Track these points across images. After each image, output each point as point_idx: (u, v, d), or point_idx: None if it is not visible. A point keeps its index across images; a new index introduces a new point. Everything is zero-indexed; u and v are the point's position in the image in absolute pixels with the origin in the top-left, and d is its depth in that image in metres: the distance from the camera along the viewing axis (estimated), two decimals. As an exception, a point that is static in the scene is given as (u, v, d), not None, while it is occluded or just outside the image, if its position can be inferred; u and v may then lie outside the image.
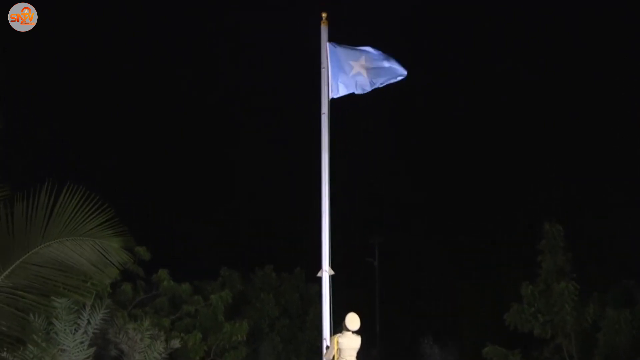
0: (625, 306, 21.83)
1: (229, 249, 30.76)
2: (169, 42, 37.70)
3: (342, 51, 12.30)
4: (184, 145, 37.26)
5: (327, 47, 12.06)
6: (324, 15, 12.17)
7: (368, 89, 12.48)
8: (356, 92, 12.44)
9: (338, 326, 11.57)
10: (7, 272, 9.72)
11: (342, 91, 12.32)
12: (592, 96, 34.61)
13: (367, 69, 12.34)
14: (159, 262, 23.30)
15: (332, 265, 11.67)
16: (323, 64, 12.09)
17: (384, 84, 12.59)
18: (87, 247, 9.94)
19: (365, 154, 34.04)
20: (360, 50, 12.43)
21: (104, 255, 10.01)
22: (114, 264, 10.15)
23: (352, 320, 11.43)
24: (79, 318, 15.34)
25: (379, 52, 12.47)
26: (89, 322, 15.54)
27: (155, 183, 34.45)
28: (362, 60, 12.34)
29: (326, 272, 11.60)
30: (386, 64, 12.44)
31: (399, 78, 12.59)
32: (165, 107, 37.00)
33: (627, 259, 24.40)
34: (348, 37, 12.74)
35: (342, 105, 12.61)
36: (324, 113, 11.94)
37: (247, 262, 28.28)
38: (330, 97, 12.16)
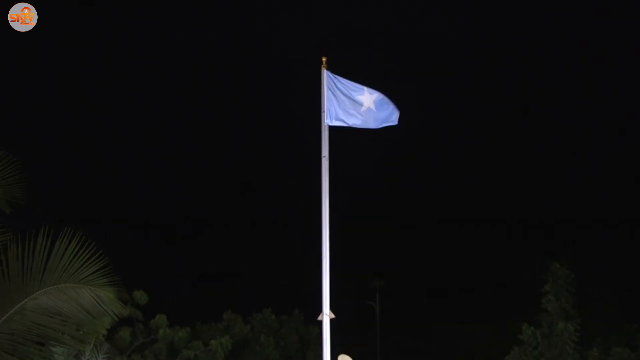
0: (630, 349, 21.70)
1: (228, 291, 30.57)
2: (169, 42, 37.75)
3: (346, 84, 12.31)
4: (183, 162, 37.21)
5: (326, 91, 12.06)
6: (324, 59, 12.21)
7: (379, 125, 12.45)
8: (371, 127, 12.41)
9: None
10: (4, 318, 9.63)
11: (344, 122, 12.30)
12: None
13: (374, 104, 12.30)
14: (158, 303, 23.14)
15: (332, 308, 11.59)
16: (324, 109, 12.09)
17: (381, 126, 12.56)
18: (84, 295, 9.84)
19: (367, 195, 34.02)
20: (360, 86, 12.39)
21: (100, 305, 9.90)
22: (109, 314, 10.03)
23: None
24: (78, 363, 15.20)
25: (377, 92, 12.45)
26: (87, 368, 15.39)
27: (152, 218, 34.39)
28: (367, 95, 12.30)
29: (327, 316, 11.52)
30: (385, 105, 12.41)
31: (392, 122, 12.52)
32: (165, 109, 37.09)
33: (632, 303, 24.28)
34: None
35: (341, 146, 12.61)
36: (324, 156, 11.92)
37: (247, 304, 28.08)
38: (326, 123, 12.11)
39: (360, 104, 12.32)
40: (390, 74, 32.06)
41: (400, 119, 12.64)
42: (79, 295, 9.86)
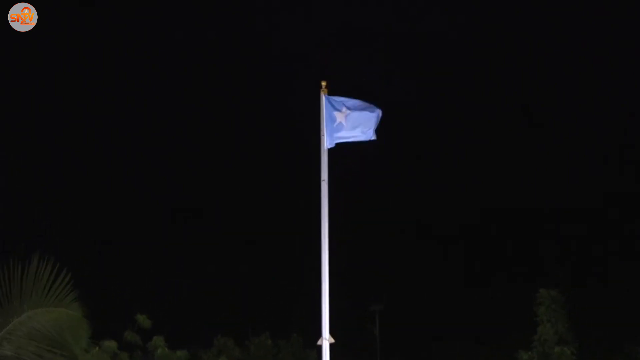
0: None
1: (223, 314, 30.37)
2: (169, 42, 37.66)
3: (332, 101, 12.32)
4: (184, 162, 37.16)
5: (325, 116, 12.07)
6: (323, 83, 12.18)
7: (344, 140, 12.48)
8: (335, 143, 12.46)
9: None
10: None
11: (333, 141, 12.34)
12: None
13: (346, 118, 12.31)
14: (155, 328, 22.95)
15: (331, 332, 11.59)
16: (323, 132, 12.08)
17: (364, 138, 12.53)
18: (64, 317, 9.93)
19: (366, 217, 33.91)
20: (342, 100, 12.39)
21: (73, 324, 10.01)
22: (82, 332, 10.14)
23: None
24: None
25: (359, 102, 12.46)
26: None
27: (149, 240, 34.30)
28: (344, 109, 12.30)
29: (326, 340, 11.52)
30: (364, 113, 12.39)
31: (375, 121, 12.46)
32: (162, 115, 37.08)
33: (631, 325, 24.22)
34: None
35: (342, 166, 12.61)
36: (323, 180, 11.92)
37: (242, 327, 27.86)
38: (326, 147, 12.18)
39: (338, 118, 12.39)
40: (390, 74, 32.07)
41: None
42: (58, 317, 9.96)
